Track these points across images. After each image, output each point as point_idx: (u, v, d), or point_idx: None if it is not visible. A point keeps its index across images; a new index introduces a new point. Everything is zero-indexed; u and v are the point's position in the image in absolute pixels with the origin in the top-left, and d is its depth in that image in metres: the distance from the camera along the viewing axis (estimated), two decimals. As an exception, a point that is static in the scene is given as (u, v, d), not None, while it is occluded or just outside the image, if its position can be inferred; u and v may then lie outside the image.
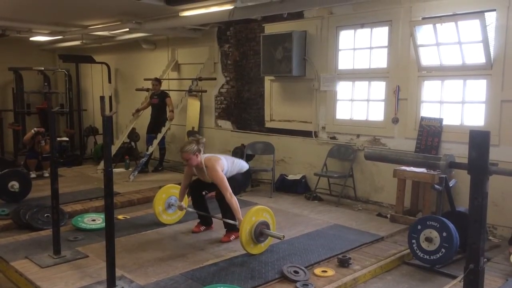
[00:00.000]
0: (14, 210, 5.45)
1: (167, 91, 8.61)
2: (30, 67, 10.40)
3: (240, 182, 4.89)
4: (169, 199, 5.27)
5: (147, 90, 8.89)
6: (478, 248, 2.39)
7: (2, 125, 10.38)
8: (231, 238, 4.69)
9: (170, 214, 5.31)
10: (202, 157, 4.68)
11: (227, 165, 4.74)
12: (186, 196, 5.18)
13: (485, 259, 3.87)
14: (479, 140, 2.30)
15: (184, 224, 5.25)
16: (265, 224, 4.32)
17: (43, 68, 10.71)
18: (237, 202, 4.47)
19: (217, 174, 4.54)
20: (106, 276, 3.48)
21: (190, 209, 5.13)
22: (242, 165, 4.97)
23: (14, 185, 6.11)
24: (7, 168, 6.59)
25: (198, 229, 5.04)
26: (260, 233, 4.26)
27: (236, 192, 4.84)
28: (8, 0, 6.14)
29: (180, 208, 5.13)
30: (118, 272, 3.65)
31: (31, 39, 9.48)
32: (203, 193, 5.03)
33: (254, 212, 4.29)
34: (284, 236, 4.27)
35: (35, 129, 8.02)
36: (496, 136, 5.07)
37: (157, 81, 8.42)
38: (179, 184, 5.25)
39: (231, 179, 4.69)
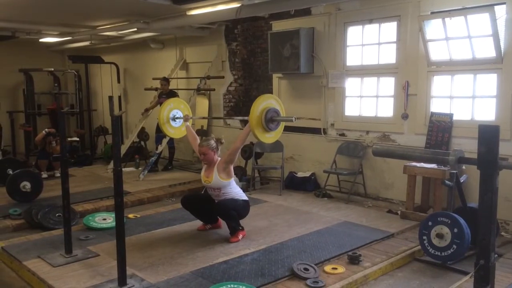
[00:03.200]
0: (26, 210, 5.51)
1: (175, 91, 8.63)
2: (40, 68, 10.50)
3: (240, 205, 4.73)
4: (175, 111, 5.22)
5: (156, 89, 8.92)
6: (489, 244, 2.36)
7: (14, 126, 10.50)
8: (239, 238, 4.68)
9: (174, 127, 5.27)
10: (218, 159, 4.72)
11: (234, 182, 4.77)
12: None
13: (496, 255, 3.84)
14: (488, 135, 2.28)
15: (194, 222, 5.26)
16: (276, 112, 4.30)
17: (53, 69, 10.82)
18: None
19: (228, 151, 4.62)
20: (117, 274, 3.50)
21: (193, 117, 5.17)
22: (243, 194, 4.86)
23: (26, 185, 6.18)
24: (19, 168, 6.67)
25: (203, 227, 5.05)
26: (270, 119, 4.23)
27: (239, 215, 4.73)
28: (18, 3, 6.19)
29: (186, 118, 5.19)
30: (129, 271, 3.68)
31: (40, 40, 9.56)
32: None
33: (264, 98, 4.30)
34: (296, 118, 4.29)
35: (46, 129, 8.10)
36: (508, 131, 5.01)
37: (166, 81, 8.44)
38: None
39: (231, 200, 4.66)
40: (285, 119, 4.40)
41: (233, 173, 4.73)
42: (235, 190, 4.75)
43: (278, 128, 4.41)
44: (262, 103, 4.29)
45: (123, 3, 6.28)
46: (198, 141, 4.94)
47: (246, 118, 4.36)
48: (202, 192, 5.05)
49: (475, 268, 2.44)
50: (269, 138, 4.43)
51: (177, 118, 5.23)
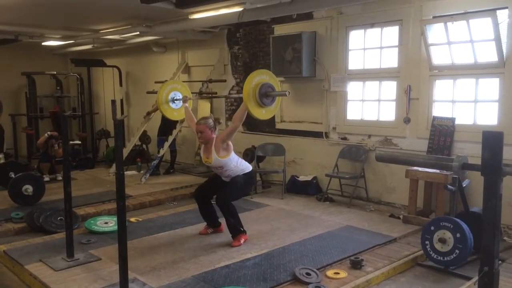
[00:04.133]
0: (28, 214, 5.51)
1: (177, 94, 8.63)
2: (43, 72, 10.52)
3: (242, 185, 4.79)
4: (174, 93, 5.22)
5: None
6: (492, 251, 2.35)
7: (16, 129, 10.51)
8: (241, 242, 4.68)
9: (173, 109, 5.26)
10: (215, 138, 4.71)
11: (235, 156, 4.77)
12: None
13: (500, 261, 3.82)
14: (492, 141, 2.27)
15: (196, 226, 5.27)
16: (271, 87, 4.29)
17: (55, 73, 10.83)
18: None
19: (225, 130, 4.64)
20: (119, 278, 3.49)
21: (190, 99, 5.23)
22: (246, 165, 4.89)
23: (28, 188, 6.18)
24: (21, 172, 6.67)
25: (205, 231, 5.05)
26: (265, 94, 4.22)
27: (238, 195, 4.86)
28: (21, 6, 6.22)
29: (185, 99, 5.19)
30: (131, 275, 3.67)
31: (43, 44, 9.59)
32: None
33: (258, 73, 4.30)
34: (289, 93, 4.29)
35: (49, 133, 8.11)
36: (510, 135, 4.98)
37: None
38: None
39: (233, 182, 4.69)
40: (279, 94, 4.39)
41: (232, 147, 4.70)
42: (237, 165, 4.73)
43: (273, 105, 4.39)
44: (256, 78, 4.26)
45: (126, 7, 6.30)
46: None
47: (241, 95, 4.36)
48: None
49: (479, 274, 2.43)
50: (263, 114, 4.40)
51: (176, 99, 5.23)
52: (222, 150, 4.61)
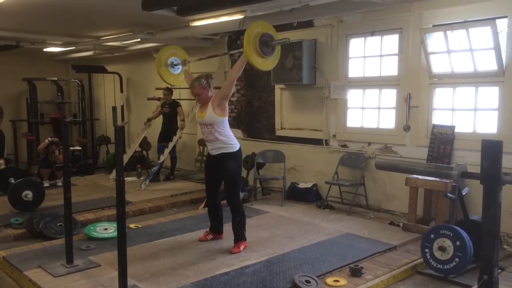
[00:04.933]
0: (27, 219, 5.50)
1: (178, 100, 8.66)
2: (44, 78, 10.55)
3: (236, 172, 4.75)
4: (172, 59, 5.20)
5: (159, 99, 8.96)
6: (492, 259, 2.36)
7: (16, 135, 10.53)
8: (241, 249, 4.68)
9: (171, 73, 5.24)
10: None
11: (227, 122, 4.76)
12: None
13: (499, 270, 3.81)
14: (491, 150, 2.28)
15: (196, 233, 5.26)
16: (270, 37, 4.34)
17: (56, 79, 10.87)
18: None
19: (223, 85, 4.69)
20: (118, 285, 3.48)
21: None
22: (234, 140, 4.76)
23: (28, 194, 6.17)
24: (21, 177, 6.67)
25: (205, 238, 5.04)
26: (265, 44, 4.26)
27: (238, 180, 4.87)
28: (22, 13, 6.25)
29: (184, 63, 5.18)
30: (130, 281, 3.66)
31: (44, 50, 9.63)
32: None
33: (257, 25, 4.37)
34: (289, 39, 4.38)
35: (49, 139, 8.12)
36: (510, 144, 4.99)
37: (168, 91, 8.47)
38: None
39: (228, 172, 4.66)
40: (279, 42, 4.45)
41: (227, 111, 4.68)
42: (227, 134, 4.66)
43: (273, 55, 4.46)
44: (256, 28, 4.35)
45: (127, 14, 6.34)
46: None
47: (241, 50, 4.45)
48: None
49: (478, 283, 2.43)
50: (263, 63, 4.46)
51: (175, 64, 5.22)
52: (218, 107, 4.57)
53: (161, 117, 8.67)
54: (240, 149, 4.79)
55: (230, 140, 4.69)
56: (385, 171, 5.96)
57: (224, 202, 5.05)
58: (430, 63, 5.60)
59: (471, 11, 5.24)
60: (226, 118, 4.68)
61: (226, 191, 4.80)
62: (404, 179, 5.49)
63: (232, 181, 4.75)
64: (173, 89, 8.73)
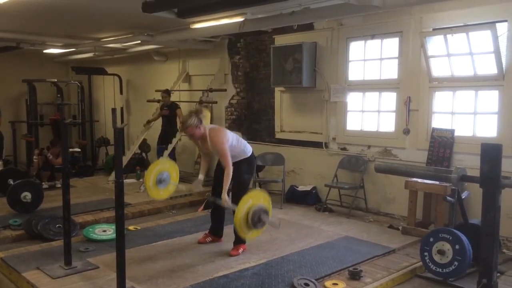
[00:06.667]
0: (26, 221, 5.50)
1: (177, 103, 8.66)
2: (44, 79, 10.54)
3: (244, 178, 4.76)
4: (160, 174, 5.07)
5: (158, 101, 8.96)
6: (491, 263, 2.35)
7: (16, 136, 10.51)
8: (239, 251, 4.67)
9: (161, 189, 5.11)
10: (207, 128, 4.64)
11: (232, 137, 4.70)
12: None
13: (499, 273, 3.80)
14: (491, 154, 2.28)
15: (194, 235, 5.25)
16: (266, 212, 4.08)
17: (56, 80, 10.85)
18: (230, 176, 4.47)
19: (218, 142, 4.51)
20: (117, 287, 3.48)
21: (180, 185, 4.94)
22: (247, 146, 4.83)
23: (27, 195, 6.16)
24: (20, 179, 6.66)
25: (204, 240, 5.03)
26: (258, 219, 4.03)
27: (246, 186, 4.80)
28: (22, 14, 6.25)
29: (199, 182, 4.96)
30: (129, 284, 3.65)
31: (44, 51, 9.62)
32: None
33: (253, 196, 4.08)
34: (280, 224, 4.14)
35: (35, 155, 8.12)
36: (509, 147, 5.00)
37: (167, 93, 8.47)
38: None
39: (236, 177, 4.65)
40: (272, 224, 4.13)
41: (227, 134, 4.64)
42: (237, 144, 4.67)
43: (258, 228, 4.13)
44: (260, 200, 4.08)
45: (128, 16, 6.34)
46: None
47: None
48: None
49: (478, 286, 2.42)
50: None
51: (163, 180, 4.91)
52: (216, 140, 4.57)
53: (160, 119, 8.67)
54: (253, 153, 4.86)
55: (244, 151, 4.77)
56: (384, 174, 5.96)
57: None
58: (430, 67, 5.60)
59: (471, 14, 5.25)
60: (230, 138, 4.65)
61: (233, 193, 4.77)
62: (404, 182, 5.49)
63: (240, 184, 4.74)
64: (172, 92, 8.74)
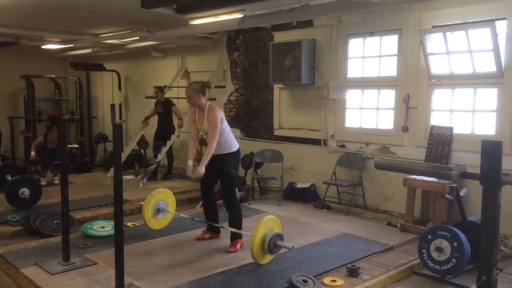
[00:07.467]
0: (24, 217, 5.49)
1: (171, 99, 8.64)
2: (42, 75, 10.51)
3: (231, 172, 4.80)
4: (157, 204, 5.16)
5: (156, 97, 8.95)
6: (491, 260, 2.36)
7: (14, 132, 10.49)
8: (237, 247, 4.67)
9: (159, 219, 5.20)
10: (208, 103, 4.75)
11: (226, 124, 4.80)
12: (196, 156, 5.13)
13: (497, 270, 3.82)
14: (491, 151, 2.28)
15: (193, 231, 5.25)
16: (280, 236, 4.21)
17: (54, 76, 10.83)
18: (212, 151, 4.56)
19: (215, 116, 4.62)
20: (115, 283, 3.47)
21: (184, 215, 5.18)
22: (234, 141, 4.88)
23: (25, 191, 6.16)
24: (18, 174, 6.65)
25: (202, 237, 5.04)
26: (274, 245, 4.16)
27: (234, 180, 4.89)
28: (21, 9, 6.22)
29: (190, 168, 4.99)
30: (127, 280, 3.65)
31: (42, 47, 9.59)
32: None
33: (267, 222, 4.18)
34: (294, 247, 4.22)
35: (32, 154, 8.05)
36: (508, 145, 5.02)
37: (159, 90, 8.45)
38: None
39: (224, 171, 4.72)
40: (284, 246, 4.20)
41: (223, 119, 4.74)
42: (226, 136, 4.75)
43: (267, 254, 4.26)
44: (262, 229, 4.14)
45: (126, 11, 6.32)
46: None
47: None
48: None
49: (477, 283, 2.43)
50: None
51: (162, 210, 5.10)
52: (214, 116, 4.66)
53: (156, 116, 8.66)
54: (238, 149, 4.91)
55: (230, 143, 4.80)
56: (383, 172, 5.97)
57: (220, 202, 5.04)
58: (429, 64, 5.60)
59: (470, 12, 5.25)
60: (224, 124, 4.75)
61: (222, 188, 4.83)
62: (402, 179, 5.49)
63: (228, 178, 4.78)
64: (170, 88, 8.72)
